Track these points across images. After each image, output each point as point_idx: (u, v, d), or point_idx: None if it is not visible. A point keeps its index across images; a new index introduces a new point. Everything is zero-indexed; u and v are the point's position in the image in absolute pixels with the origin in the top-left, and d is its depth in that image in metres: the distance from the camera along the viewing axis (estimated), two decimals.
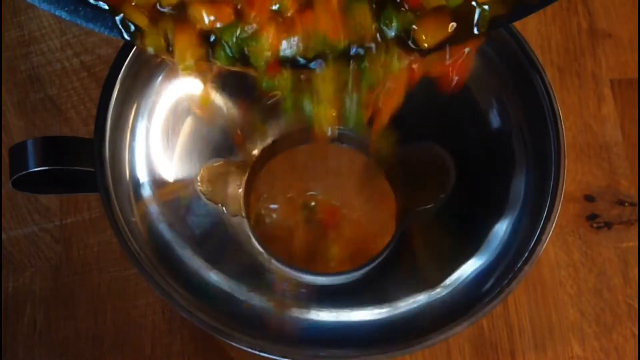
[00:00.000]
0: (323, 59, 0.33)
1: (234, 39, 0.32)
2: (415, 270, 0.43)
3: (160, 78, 0.43)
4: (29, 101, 0.59)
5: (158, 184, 0.43)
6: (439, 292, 0.41)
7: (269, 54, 0.32)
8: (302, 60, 0.33)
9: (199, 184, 0.44)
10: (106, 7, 0.32)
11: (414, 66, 0.34)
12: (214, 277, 0.42)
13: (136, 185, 0.41)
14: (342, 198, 0.47)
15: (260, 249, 0.45)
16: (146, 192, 0.42)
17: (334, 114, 0.36)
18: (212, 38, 0.33)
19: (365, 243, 0.46)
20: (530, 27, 0.61)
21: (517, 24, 0.41)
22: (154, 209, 0.42)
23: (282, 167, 0.48)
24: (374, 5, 0.33)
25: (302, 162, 0.48)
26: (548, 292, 0.55)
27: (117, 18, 0.33)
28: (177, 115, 0.44)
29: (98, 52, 0.60)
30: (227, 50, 0.33)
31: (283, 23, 0.32)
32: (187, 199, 0.44)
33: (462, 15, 0.33)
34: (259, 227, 0.46)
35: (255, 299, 0.42)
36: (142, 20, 0.32)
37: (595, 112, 0.59)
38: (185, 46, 0.32)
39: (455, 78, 0.37)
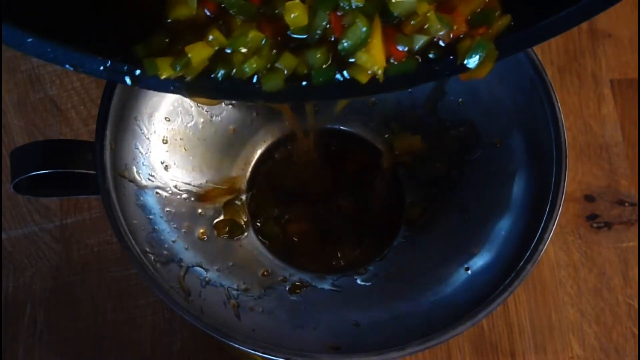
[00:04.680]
0: None
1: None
2: (417, 270, 0.43)
3: None
4: (29, 101, 0.59)
5: (160, 185, 0.43)
6: (440, 292, 0.41)
7: None
8: None
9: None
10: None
11: None
12: (214, 275, 0.42)
13: (138, 187, 0.41)
14: (346, 198, 0.47)
15: (262, 249, 0.45)
16: (148, 194, 0.42)
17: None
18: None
19: (367, 244, 0.46)
20: None
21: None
22: (155, 210, 0.42)
23: (283, 171, 0.48)
24: None
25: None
26: (548, 292, 0.55)
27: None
28: (179, 116, 0.44)
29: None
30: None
31: None
32: (190, 201, 0.44)
33: None
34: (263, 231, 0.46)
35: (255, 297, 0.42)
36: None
37: (595, 112, 0.59)
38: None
39: None
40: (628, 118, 0.59)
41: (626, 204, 0.57)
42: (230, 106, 0.46)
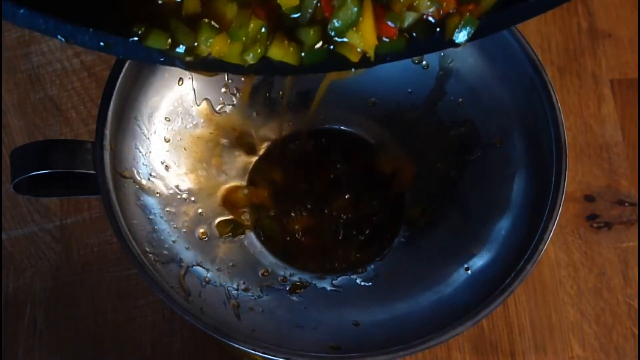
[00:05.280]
0: None
1: None
2: (417, 270, 0.43)
3: (161, 79, 0.43)
4: (29, 101, 0.59)
5: (160, 185, 0.43)
6: (440, 292, 0.41)
7: None
8: None
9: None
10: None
11: None
12: (214, 275, 0.42)
13: (138, 187, 0.41)
14: (346, 198, 0.47)
15: (262, 249, 0.45)
16: (148, 194, 0.42)
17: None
18: None
19: (367, 245, 0.46)
20: (530, 27, 0.61)
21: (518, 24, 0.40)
22: (156, 210, 0.42)
23: (283, 171, 0.48)
24: None
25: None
26: (548, 292, 0.55)
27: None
28: (179, 116, 0.44)
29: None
30: None
31: None
32: (190, 201, 0.44)
33: None
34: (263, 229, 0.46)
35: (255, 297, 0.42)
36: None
37: (595, 112, 0.59)
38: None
39: None
40: (628, 118, 0.59)
41: (626, 204, 0.57)
42: (231, 106, 0.46)
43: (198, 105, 0.45)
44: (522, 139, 0.43)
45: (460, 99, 0.45)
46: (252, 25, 0.31)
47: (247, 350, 0.37)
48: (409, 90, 0.46)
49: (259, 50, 0.32)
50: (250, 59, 0.32)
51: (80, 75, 0.60)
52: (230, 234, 0.44)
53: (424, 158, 0.46)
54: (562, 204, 0.39)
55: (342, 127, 0.48)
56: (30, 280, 0.54)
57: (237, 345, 0.37)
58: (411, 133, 0.47)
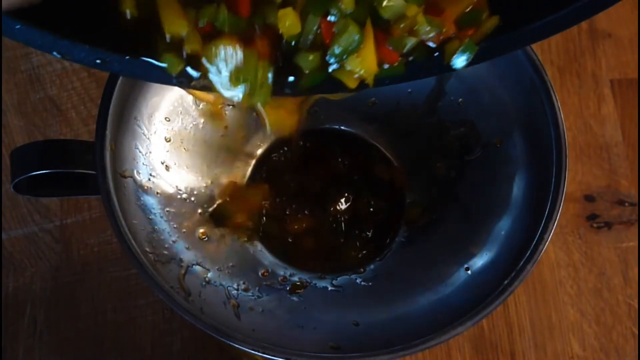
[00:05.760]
0: None
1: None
2: (417, 270, 0.43)
3: None
4: (29, 101, 0.59)
5: (160, 185, 0.43)
6: (440, 292, 0.41)
7: None
8: None
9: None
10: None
11: None
12: (214, 275, 0.42)
13: (138, 187, 0.41)
14: (346, 198, 0.47)
15: (262, 249, 0.45)
16: (148, 194, 0.42)
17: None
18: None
19: (367, 245, 0.46)
20: None
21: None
22: (156, 210, 0.42)
23: (283, 171, 0.48)
24: None
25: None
26: (548, 292, 0.55)
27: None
28: (179, 117, 0.44)
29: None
30: None
31: None
32: (190, 201, 0.44)
33: None
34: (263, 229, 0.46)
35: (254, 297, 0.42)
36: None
37: (595, 112, 0.59)
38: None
39: None
40: (628, 118, 0.59)
41: (626, 204, 0.57)
42: (231, 107, 0.46)
43: (198, 106, 0.45)
44: (522, 139, 0.43)
45: (460, 99, 0.45)
46: (260, 73, 0.31)
47: (247, 350, 0.37)
48: (409, 90, 0.46)
49: (266, 91, 0.32)
50: (260, 101, 0.32)
51: (80, 75, 0.60)
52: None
53: (424, 158, 0.46)
54: (562, 204, 0.39)
55: (342, 127, 0.48)
56: (30, 280, 0.54)
57: (237, 345, 0.37)
58: (411, 133, 0.47)
